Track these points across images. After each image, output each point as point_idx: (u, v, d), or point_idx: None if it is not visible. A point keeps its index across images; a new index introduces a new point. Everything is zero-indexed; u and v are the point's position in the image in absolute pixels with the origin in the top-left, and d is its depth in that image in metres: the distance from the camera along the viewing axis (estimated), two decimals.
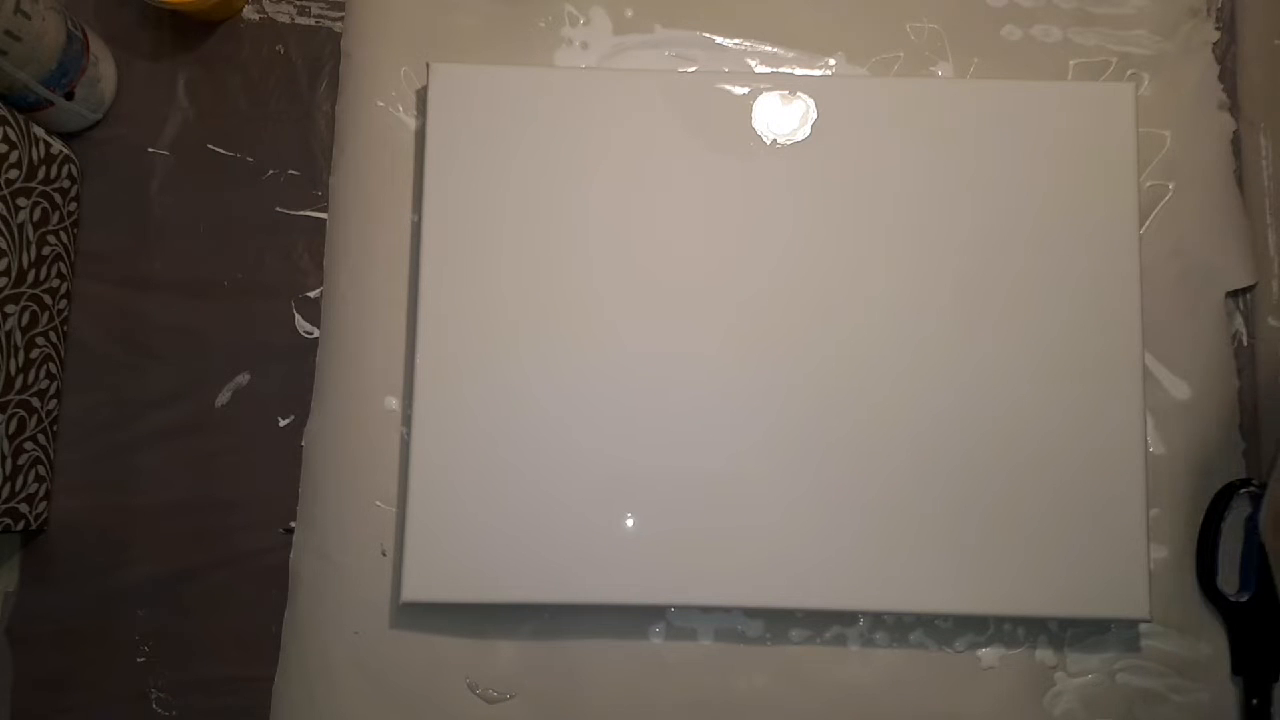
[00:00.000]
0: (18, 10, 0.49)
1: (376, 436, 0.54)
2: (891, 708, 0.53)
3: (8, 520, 0.51)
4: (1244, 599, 0.53)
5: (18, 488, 0.51)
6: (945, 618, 0.53)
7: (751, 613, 0.53)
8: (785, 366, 0.53)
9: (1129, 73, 0.57)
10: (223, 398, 0.56)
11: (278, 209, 0.57)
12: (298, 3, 0.59)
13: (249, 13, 0.58)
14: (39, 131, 0.53)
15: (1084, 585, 0.51)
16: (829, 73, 0.57)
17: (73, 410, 0.55)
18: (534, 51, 0.57)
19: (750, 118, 0.54)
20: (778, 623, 0.53)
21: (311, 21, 0.58)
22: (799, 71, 0.57)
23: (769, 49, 0.58)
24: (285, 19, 0.58)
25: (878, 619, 0.53)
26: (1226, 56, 0.57)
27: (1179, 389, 0.55)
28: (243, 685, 0.53)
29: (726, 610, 0.53)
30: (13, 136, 0.50)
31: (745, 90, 0.55)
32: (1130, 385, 0.52)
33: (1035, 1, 0.58)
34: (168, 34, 0.58)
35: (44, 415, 0.54)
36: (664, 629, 0.53)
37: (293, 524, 0.54)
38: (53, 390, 0.54)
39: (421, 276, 0.53)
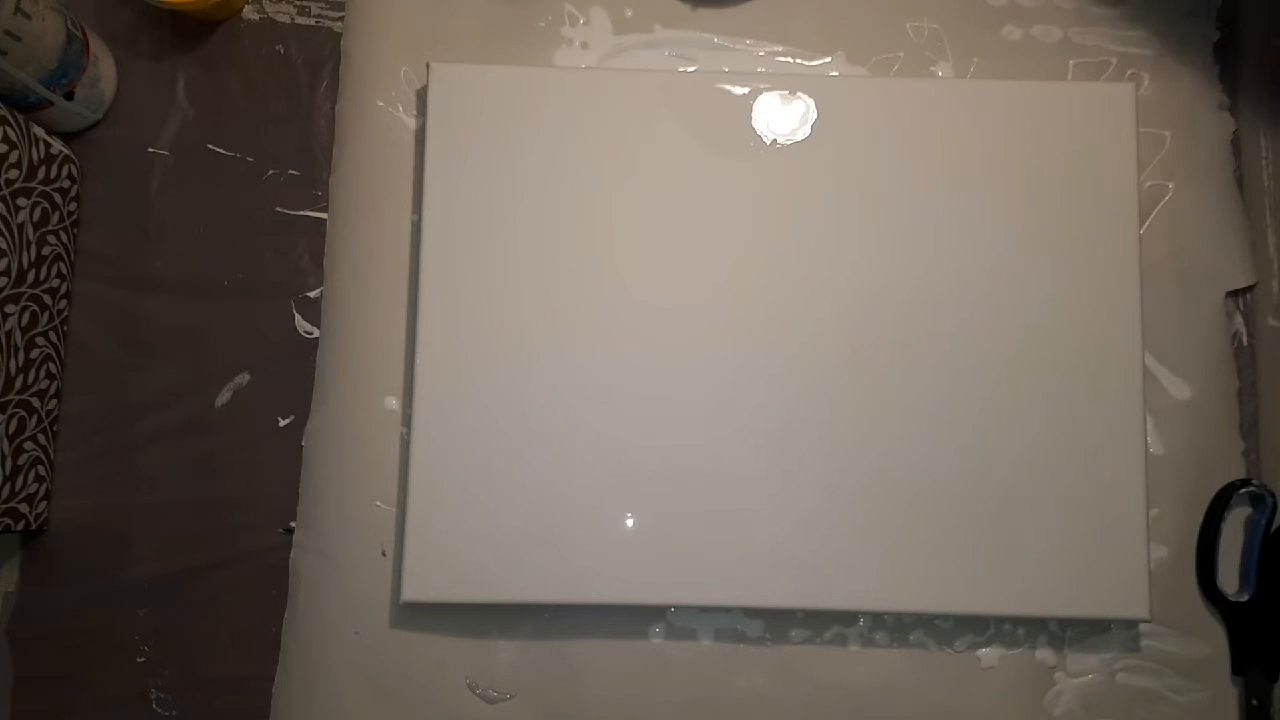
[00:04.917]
0: (18, 10, 0.49)
1: (376, 436, 0.54)
2: (891, 708, 0.53)
3: (8, 520, 0.51)
4: (1244, 599, 0.53)
5: (18, 488, 0.51)
6: (945, 618, 0.53)
7: (751, 613, 0.53)
8: (783, 367, 0.53)
9: (1129, 73, 0.57)
10: (223, 398, 0.56)
11: (278, 209, 0.57)
12: (298, 3, 0.59)
13: (249, 13, 0.58)
14: (39, 131, 0.53)
15: (1084, 585, 0.51)
16: (829, 73, 0.57)
17: (73, 410, 0.55)
18: (534, 51, 0.57)
19: (750, 118, 0.54)
20: (778, 623, 0.53)
21: (311, 21, 0.58)
22: (799, 72, 0.57)
23: (769, 49, 0.58)
24: (285, 19, 0.58)
25: (878, 619, 0.53)
26: (1226, 56, 0.57)
27: (1179, 389, 0.55)
28: (243, 685, 0.53)
29: (726, 610, 0.53)
30: (13, 136, 0.50)
31: (745, 90, 0.55)
32: (1130, 385, 0.52)
33: (1035, 1, 0.58)
34: (168, 34, 0.58)
35: (44, 415, 0.54)
36: (664, 629, 0.53)
37: (293, 524, 0.54)
38: (53, 390, 0.54)
39: (421, 276, 0.53)
